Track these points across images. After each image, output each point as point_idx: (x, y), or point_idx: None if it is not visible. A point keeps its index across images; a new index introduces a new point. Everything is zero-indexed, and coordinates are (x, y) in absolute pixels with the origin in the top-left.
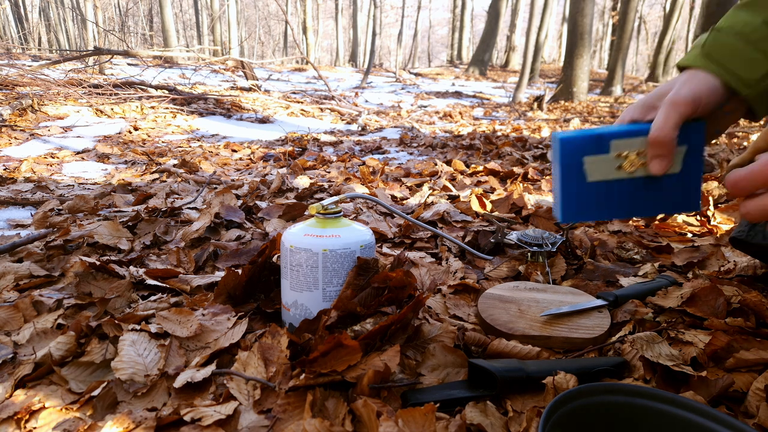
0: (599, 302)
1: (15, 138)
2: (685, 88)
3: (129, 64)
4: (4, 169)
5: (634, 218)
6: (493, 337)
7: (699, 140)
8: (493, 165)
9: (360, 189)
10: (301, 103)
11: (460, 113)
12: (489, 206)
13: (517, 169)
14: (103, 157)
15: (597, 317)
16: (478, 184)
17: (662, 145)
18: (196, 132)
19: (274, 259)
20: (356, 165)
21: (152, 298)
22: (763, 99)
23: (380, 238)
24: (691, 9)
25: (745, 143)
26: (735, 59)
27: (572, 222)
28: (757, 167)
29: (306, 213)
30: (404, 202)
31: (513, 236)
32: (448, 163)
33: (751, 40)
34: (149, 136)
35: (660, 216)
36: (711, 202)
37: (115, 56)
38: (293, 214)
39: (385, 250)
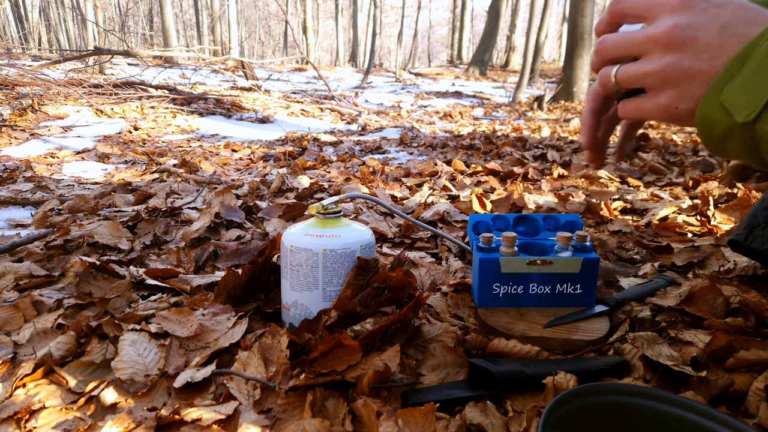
0: (601, 308)
1: (15, 138)
2: None
3: (129, 64)
4: (4, 169)
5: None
6: (493, 338)
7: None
8: (493, 165)
9: (360, 189)
10: (301, 103)
11: (460, 113)
12: (489, 206)
13: (517, 169)
14: (103, 157)
15: (596, 319)
16: (478, 184)
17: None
18: (196, 132)
19: (274, 259)
20: (356, 165)
21: (152, 298)
22: None
23: (380, 238)
24: None
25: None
26: None
27: (487, 306)
28: (631, 36)
29: (306, 213)
30: (404, 202)
31: None
32: (448, 163)
33: None
34: (149, 136)
35: (660, 215)
36: (711, 202)
37: (115, 56)
38: (293, 214)
39: (385, 250)
